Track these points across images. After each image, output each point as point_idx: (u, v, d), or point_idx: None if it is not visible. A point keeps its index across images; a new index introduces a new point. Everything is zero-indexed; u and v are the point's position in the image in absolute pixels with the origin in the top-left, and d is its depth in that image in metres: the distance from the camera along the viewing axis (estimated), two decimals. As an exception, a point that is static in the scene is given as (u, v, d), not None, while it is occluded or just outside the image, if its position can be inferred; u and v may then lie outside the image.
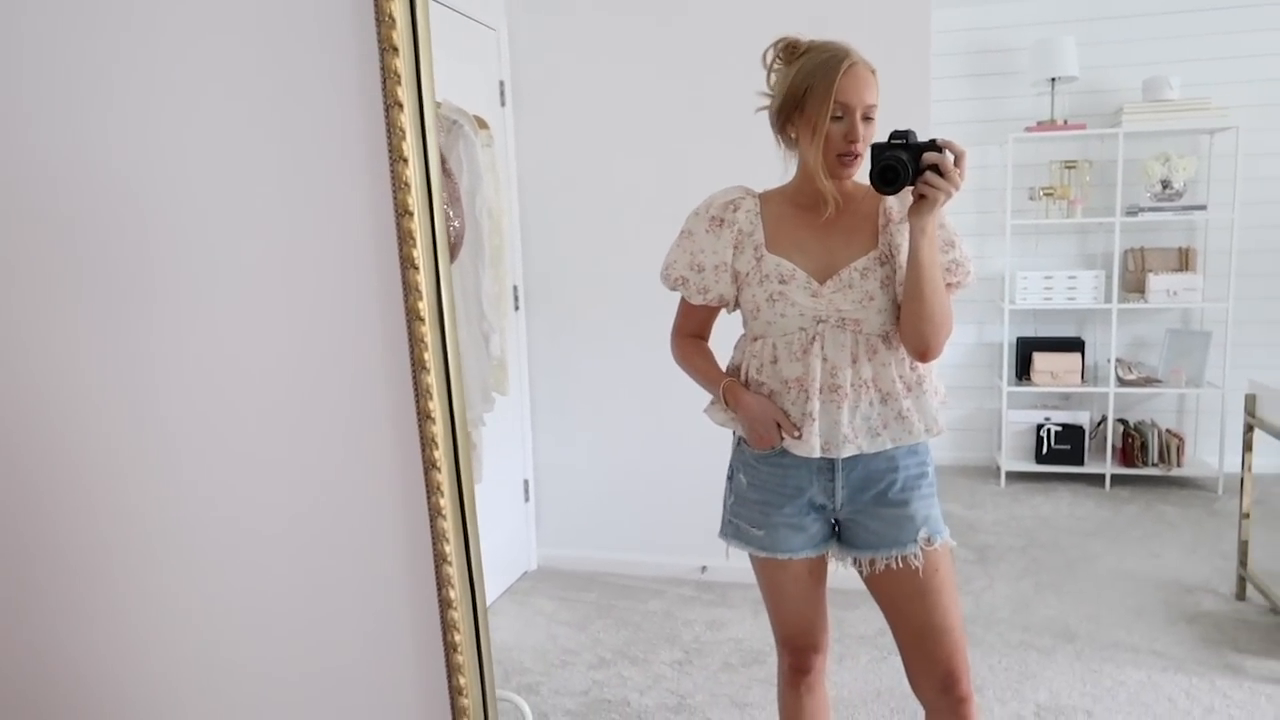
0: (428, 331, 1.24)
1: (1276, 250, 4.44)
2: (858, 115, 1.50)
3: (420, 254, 1.23)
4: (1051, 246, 4.80)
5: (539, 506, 3.80)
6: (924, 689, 1.69)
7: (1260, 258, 4.42)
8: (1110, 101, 4.55)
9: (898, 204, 1.58)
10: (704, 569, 3.56)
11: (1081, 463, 4.61)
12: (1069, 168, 4.53)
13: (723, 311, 1.75)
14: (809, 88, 1.50)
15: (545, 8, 3.45)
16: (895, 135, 1.49)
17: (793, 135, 1.57)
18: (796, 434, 1.58)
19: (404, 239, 1.23)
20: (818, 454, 1.58)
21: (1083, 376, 4.62)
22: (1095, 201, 4.59)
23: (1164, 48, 4.48)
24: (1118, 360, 4.62)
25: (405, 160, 1.23)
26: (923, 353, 1.55)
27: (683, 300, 1.73)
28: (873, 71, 1.53)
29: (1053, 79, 4.39)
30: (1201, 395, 4.58)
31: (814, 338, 1.57)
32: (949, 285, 1.59)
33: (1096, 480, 4.58)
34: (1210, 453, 4.58)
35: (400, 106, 1.22)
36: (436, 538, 1.19)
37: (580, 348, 3.64)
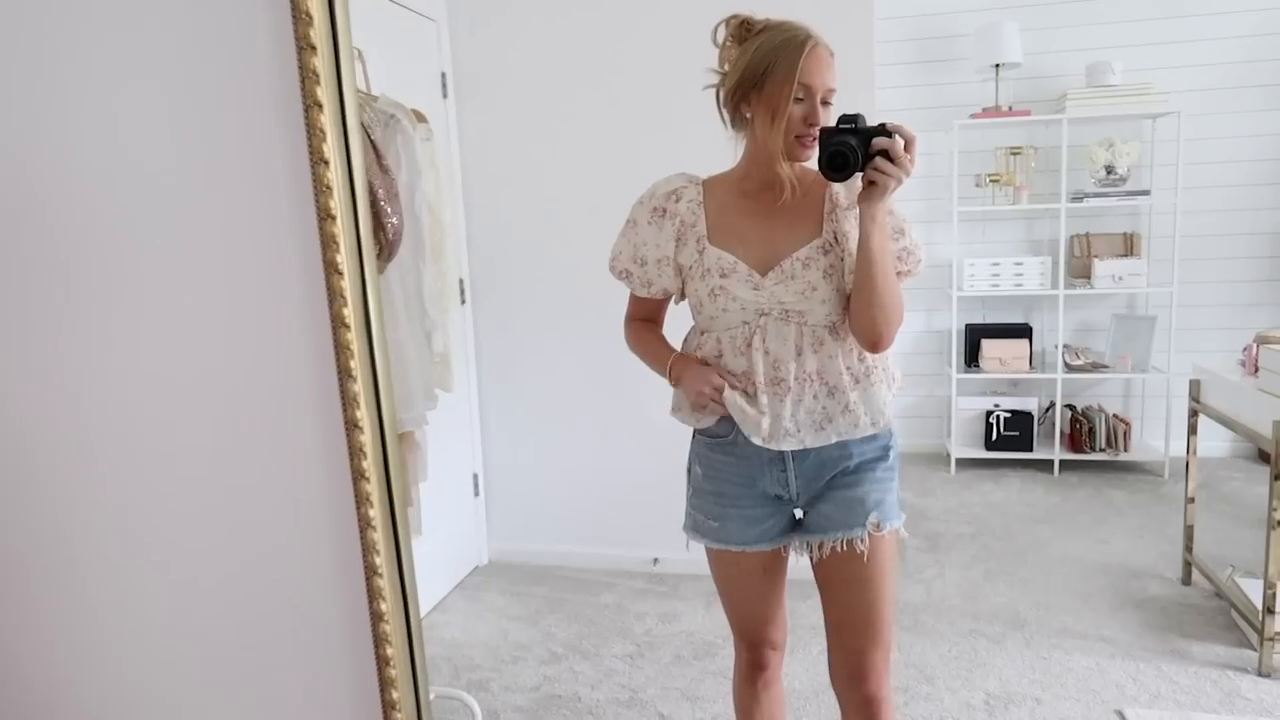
0: (354, 339, 1.17)
1: (1219, 234, 4.50)
2: (818, 98, 1.46)
3: (344, 259, 1.17)
4: (998, 233, 4.82)
5: (489, 501, 3.74)
6: (836, 679, 1.67)
7: (1203, 242, 4.48)
8: (1054, 87, 4.57)
9: (844, 190, 1.54)
10: (656, 561, 3.52)
11: (1030, 449, 4.64)
12: (1014, 154, 4.55)
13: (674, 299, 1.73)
14: (770, 67, 1.44)
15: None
16: (844, 120, 1.44)
17: (748, 115, 1.51)
18: (738, 386, 1.56)
19: (327, 244, 1.17)
20: (765, 438, 1.55)
21: (1031, 363, 4.65)
22: (1041, 188, 4.61)
23: (1106, 33, 4.51)
24: (1065, 346, 4.66)
25: (326, 162, 1.16)
26: (874, 343, 1.52)
27: (631, 291, 1.71)
28: (832, 54, 1.49)
29: (996, 65, 4.40)
30: (1147, 380, 4.63)
31: (756, 331, 1.54)
32: (899, 273, 1.56)
33: (1045, 466, 4.62)
34: (1157, 437, 4.64)
35: (320, 107, 1.15)
36: (367, 549, 1.12)
37: (529, 340, 3.58)
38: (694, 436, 1.71)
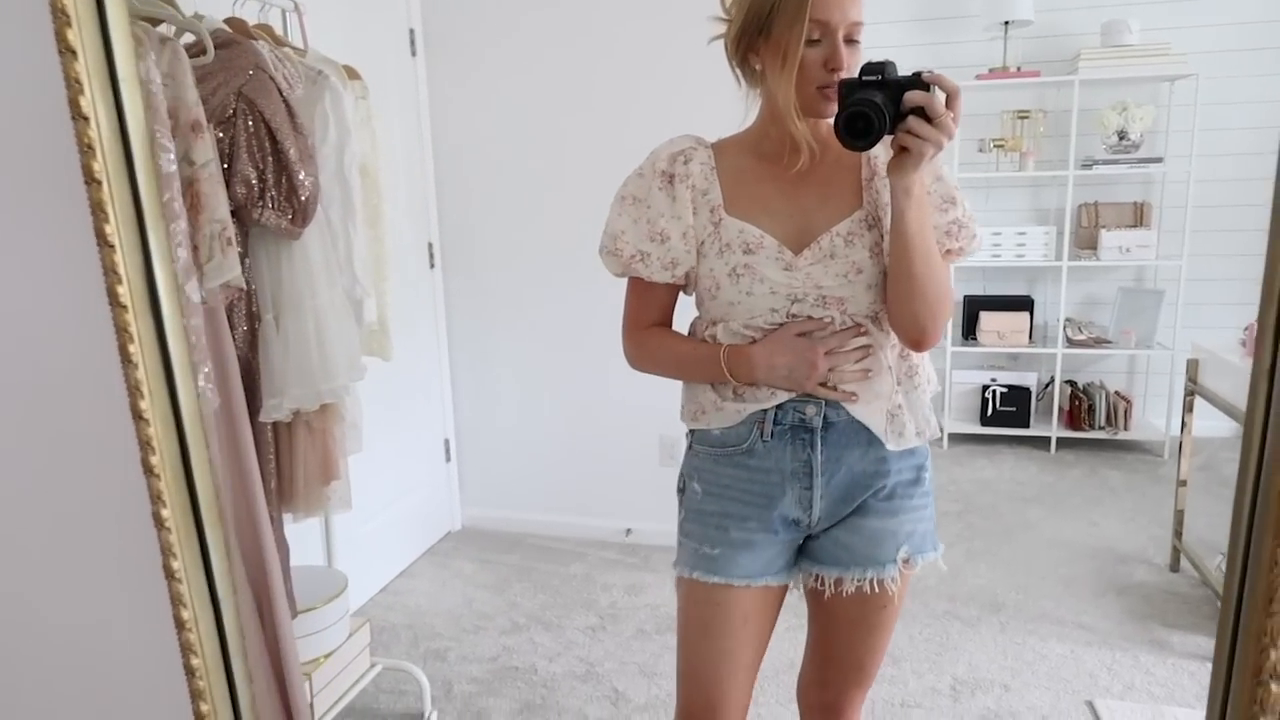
0: (133, 320, 1.03)
1: (1232, 205, 4.30)
2: (839, 36, 1.18)
3: (118, 229, 1.03)
4: (1001, 201, 4.65)
5: (461, 467, 3.66)
6: (809, 700, 1.55)
7: (1216, 213, 4.29)
8: (1067, 47, 4.37)
9: (884, 151, 1.26)
10: (629, 532, 3.44)
11: (1027, 425, 4.51)
12: (1021, 118, 4.37)
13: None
14: (776, 4, 1.19)
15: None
16: (867, 70, 1.16)
17: (757, 67, 1.26)
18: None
19: (95, 211, 1.03)
20: (771, 402, 1.29)
21: (1031, 337, 4.51)
22: (1048, 154, 4.43)
23: (1123, -10, 4.29)
24: (1068, 320, 4.50)
25: (85, 119, 1.02)
26: (916, 340, 1.27)
27: (633, 286, 1.39)
28: None
29: (1006, 23, 4.21)
30: (1152, 356, 4.48)
31: (788, 320, 1.28)
32: (949, 252, 1.31)
33: (1042, 443, 4.49)
34: (1159, 415, 4.50)
35: (73, 53, 1.01)
36: (164, 550, 1.01)
37: (501, 304, 3.47)
38: (690, 447, 1.41)
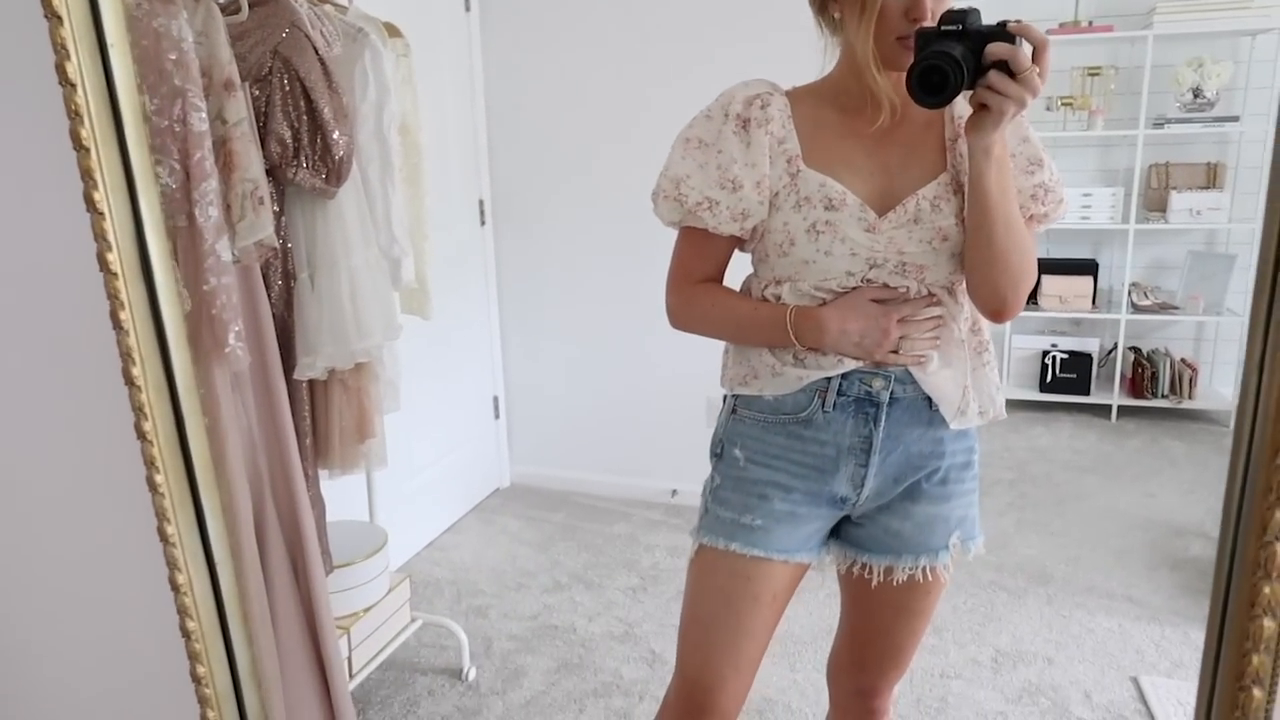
0: (123, 287, 1.03)
1: (1312, 168, 4.09)
2: None
3: (106, 196, 1.02)
4: (1068, 161, 4.48)
5: (510, 424, 3.69)
6: (841, 683, 1.52)
7: (1294, 176, 4.08)
8: (1141, 1, 4.17)
9: (970, 110, 1.17)
10: (674, 493, 3.44)
11: (1088, 392, 4.38)
12: (1092, 74, 4.20)
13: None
14: None
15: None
16: (948, 18, 1.08)
17: (836, 16, 1.19)
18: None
19: (85, 177, 1.03)
20: (838, 368, 1.22)
21: (1094, 301, 4.36)
22: (1119, 112, 4.25)
23: (1203, -61, 4.08)
24: (1133, 285, 4.35)
25: (73, 85, 1.01)
26: (997, 311, 1.21)
27: (689, 237, 1.29)
28: None
29: (1078, -25, 4.03)
30: (1221, 323, 4.31)
31: (862, 285, 1.20)
32: (1033, 218, 1.22)
33: (1103, 411, 4.36)
34: (1226, 383, 4.34)
35: (59, 19, 1.00)
36: (158, 514, 1.02)
37: (550, 261, 3.47)
38: (735, 412, 1.32)
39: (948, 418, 1.24)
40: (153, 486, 0.98)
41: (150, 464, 0.99)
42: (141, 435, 1.00)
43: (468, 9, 3.26)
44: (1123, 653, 2.37)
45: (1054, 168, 1.24)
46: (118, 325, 1.00)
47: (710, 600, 1.31)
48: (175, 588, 0.99)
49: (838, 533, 1.35)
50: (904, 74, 1.14)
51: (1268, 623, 0.61)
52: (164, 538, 0.99)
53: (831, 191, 1.18)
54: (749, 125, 1.21)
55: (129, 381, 1.01)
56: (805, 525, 1.29)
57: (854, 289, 1.21)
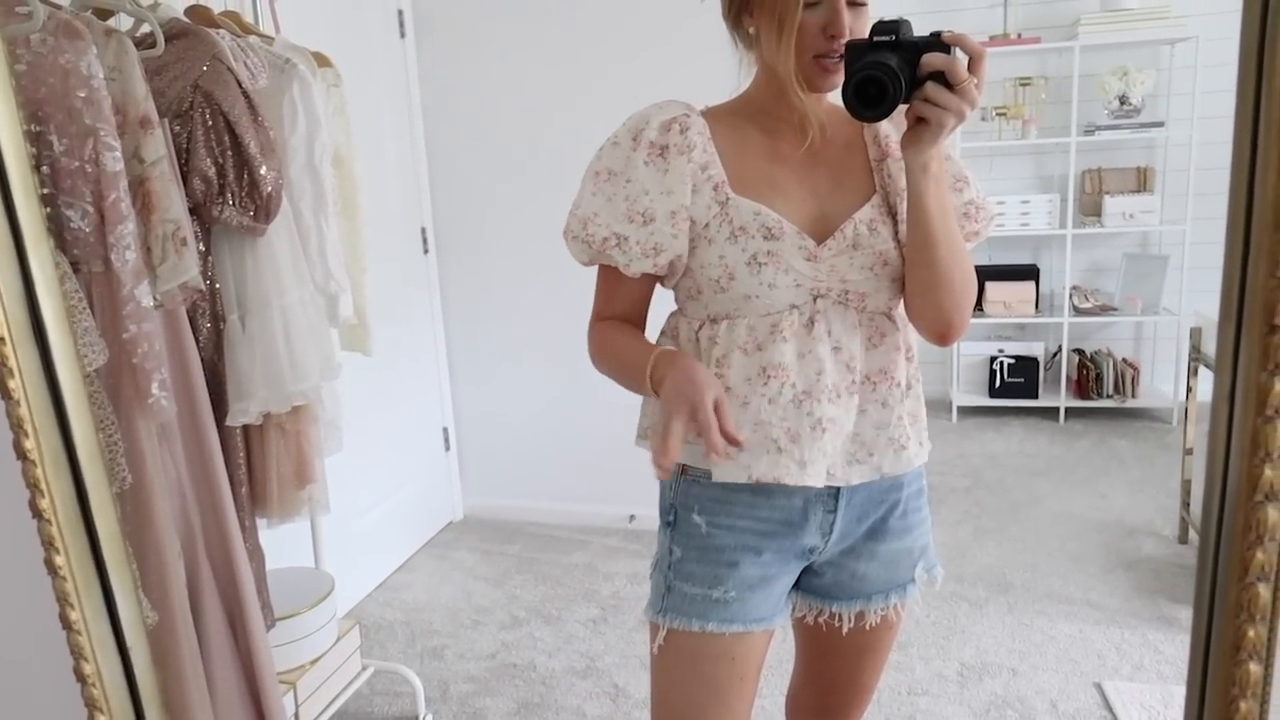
0: (11, 352, 0.90)
1: (1238, 168, 4.19)
2: None
3: None
4: (1006, 169, 4.55)
5: (462, 456, 3.62)
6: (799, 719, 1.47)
7: (1218, 175, 4.11)
8: (1066, 13, 4.27)
9: (895, 131, 1.14)
10: (632, 518, 3.39)
11: (1036, 396, 4.44)
12: (1023, 85, 4.27)
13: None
14: None
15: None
16: (880, 29, 1.02)
17: (752, 31, 1.11)
18: (731, 451, 1.01)
19: None
20: (822, 482, 1.13)
21: (1037, 306, 4.43)
22: (1050, 121, 4.34)
23: (1122, -49, 4.18)
24: (1074, 288, 4.42)
25: None
26: (943, 333, 1.14)
27: (604, 275, 1.20)
28: None
29: (1005, -12, 4.11)
30: (1158, 322, 4.40)
31: (814, 318, 1.11)
32: (967, 236, 1.17)
33: (1051, 414, 4.42)
34: (1166, 381, 4.42)
35: None
36: (60, 599, 0.91)
37: (497, 287, 3.41)
38: (684, 472, 1.20)
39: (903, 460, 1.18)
40: (52, 569, 0.89)
41: (49, 544, 0.89)
42: (38, 513, 0.90)
43: (403, 35, 3.21)
44: (1085, 658, 2.37)
45: (979, 185, 1.20)
46: (6, 395, 0.89)
47: (691, 691, 1.19)
48: (82, 679, 0.91)
49: (798, 582, 1.26)
50: (823, 93, 1.12)
51: (1253, 666, 0.59)
52: (67, 624, 0.90)
53: (768, 220, 1.10)
54: (666, 152, 1.12)
55: (21, 455, 0.91)
56: (776, 586, 1.20)
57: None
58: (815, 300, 1.11)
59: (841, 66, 1.05)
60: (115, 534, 0.80)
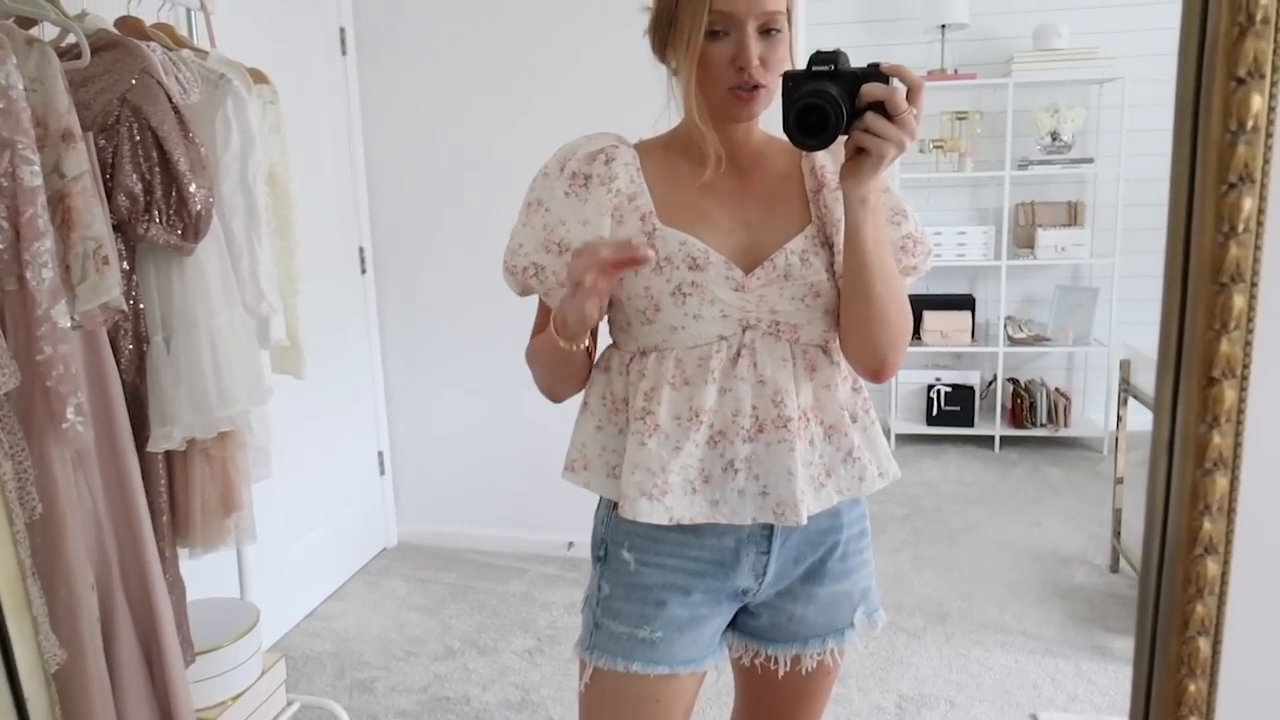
0: None
1: (1162, 203, 4.21)
2: (749, 29, 1.03)
3: None
4: (943, 201, 4.64)
5: (397, 480, 3.54)
6: None
7: (1146, 211, 4.32)
8: (1001, 50, 4.38)
9: (831, 162, 1.13)
10: (571, 545, 3.35)
11: (972, 424, 4.51)
12: (960, 119, 4.37)
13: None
14: None
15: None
16: (817, 59, 1.01)
17: (672, 65, 1.12)
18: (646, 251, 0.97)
19: None
20: (748, 520, 1.11)
21: (973, 335, 4.51)
22: (986, 154, 4.44)
23: (1054, -7, 4.32)
24: (1009, 318, 4.51)
25: None
26: (876, 370, 1.13)
27: (540, 302, 1.20)
28: None
29: (942, 26, 4.20)
30: (1089, 353, 4.50)
31: (740, 350, 1.10)
32: (904, 270, 1.15)
33: (986, 442, 4.49)
34: (1097, 411, 4.52)
35: None
36: None
37: (435, 309, 3.36)
38: (609, 512, 1.19)
39: (842, 491, 1.15)
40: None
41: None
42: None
43: (344, 53, 3.16)
44: (1020, 689, 2.39)
45: (918, 220, 1.19)
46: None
47: None
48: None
49: (734, 623, 1.24)
50: (750, 125, 1.11)
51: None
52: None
53: (694, 250, 1.09)
54: (589, 182, 1.11)
55: None
56: (707, 627, 1.18)
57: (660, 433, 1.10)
58: (744, 332, 1.10)
59: (752, 97, 1.06)
60: (15, 576, 0.75)
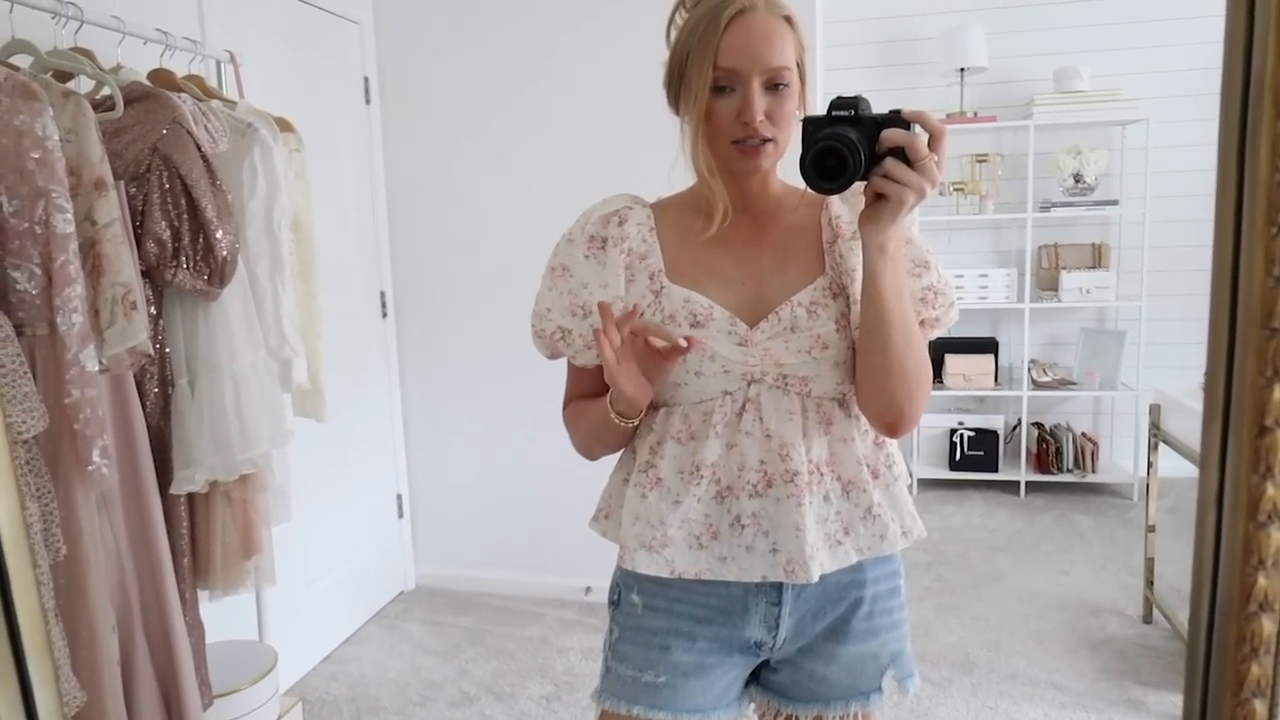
0: None
1: (1188, 245, 4.31)
2: (754, 84, 1.03)
3: None
4: (964, 243, 4.63)
5: (415, 523, 3.53)
6: None
7: (1172, 253, 4.30)
8: (1021, 93, 4.39)
9: (848, 211, 1.13)
10: (588, 590, 3.32)
11: (996, 469, 4.45)
12: (980, 161, 4.37)
13: None
14: (690, 50, 1.05)
15: (412, -2, 3.18)
16: (839, 104, 1.00)
17: (683, 117, 1.12)
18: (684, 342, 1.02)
19: None
20: (758, 578, 1.10)
21: (996, 379, 4.46)
22: (1007, 196, 4.43)
23: (1074, 37, 4.33)
24: (1032, 362, 4.47)
25: None
26: (893, 424, 1.10)
27: (569, 363, 1.22)
28: (786, 18, 1.06)
29: (962, 69, 4.22)
30: (1116, 397, 4.45)
31: (745, 405, 1.09)
32: (924, 322, 1.14)
33: (1011, 487, 4.42)
34: (1126, 456, 4.46)
35: None
36: None
37: (455, 352, 3.37)
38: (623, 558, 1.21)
39: (863, 551, 1.13)
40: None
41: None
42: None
43: (368, 102, 3.22)
44: (1049, 742, 2.33)
45: (942, 271, 1.17)
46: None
47: None
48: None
49: (758, 677, 1.22)
50: (765, 177, 1.12)
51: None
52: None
53: (697, 306, 1.10)
54: (605, 245, 1.14)
55: None
56: (718, 677, 1.16)
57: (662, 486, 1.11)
58: (749, 385, 1.09)
59: (759, 151, 1.06)
60: (38, 621, 0.74)
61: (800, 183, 1.05)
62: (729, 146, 1.07)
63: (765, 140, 1.06)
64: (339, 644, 3.06)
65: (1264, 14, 0.51)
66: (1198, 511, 0.60)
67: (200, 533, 1.65)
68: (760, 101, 1.04)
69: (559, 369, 1.25)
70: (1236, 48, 0.57)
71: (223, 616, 1.92)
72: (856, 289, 1.09)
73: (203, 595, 1.71)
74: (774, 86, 1.05)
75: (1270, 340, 0.57)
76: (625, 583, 1.19)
